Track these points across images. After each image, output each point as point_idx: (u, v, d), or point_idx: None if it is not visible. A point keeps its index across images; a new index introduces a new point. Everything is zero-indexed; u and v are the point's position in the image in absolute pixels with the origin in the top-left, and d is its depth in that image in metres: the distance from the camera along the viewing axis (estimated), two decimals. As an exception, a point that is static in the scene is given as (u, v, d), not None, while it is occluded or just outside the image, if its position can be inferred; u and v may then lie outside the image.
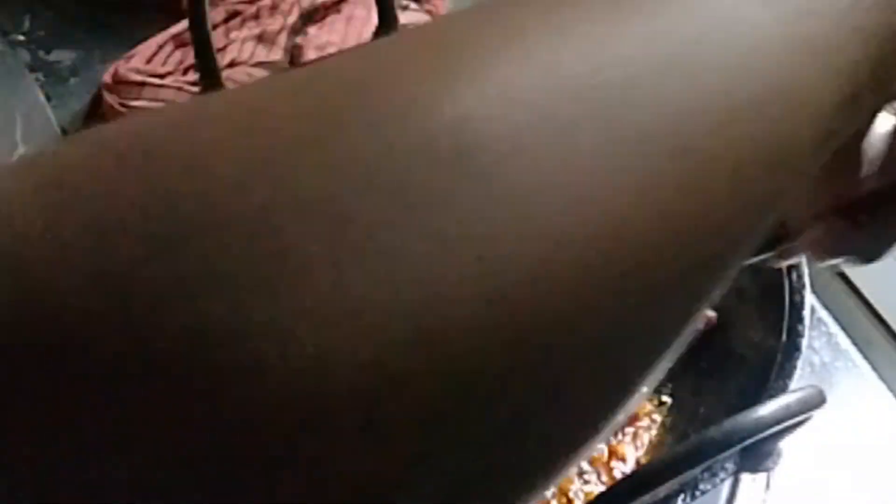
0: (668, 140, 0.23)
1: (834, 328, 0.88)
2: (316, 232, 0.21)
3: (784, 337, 0.70)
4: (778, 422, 0.56)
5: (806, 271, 0.73)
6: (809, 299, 0.72)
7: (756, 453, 0.63)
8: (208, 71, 0.81)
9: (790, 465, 0.76)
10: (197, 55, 0.80)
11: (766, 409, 0.55)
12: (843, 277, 0.91)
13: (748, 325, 0.75)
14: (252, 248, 0.20)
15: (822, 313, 0.89)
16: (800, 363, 0.69)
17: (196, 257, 0.20)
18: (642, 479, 0.54)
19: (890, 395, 0.85)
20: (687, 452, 0.55)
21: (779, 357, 0.70)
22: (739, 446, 0.56)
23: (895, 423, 0.84)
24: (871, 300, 0.90)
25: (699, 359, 0.77)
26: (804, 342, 0.70)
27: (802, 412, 0.56)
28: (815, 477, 0.80)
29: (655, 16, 0.25)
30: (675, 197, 0.23)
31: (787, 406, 0.56)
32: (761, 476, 0.74)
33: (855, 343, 0.88)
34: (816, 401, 0.57)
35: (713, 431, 0.55)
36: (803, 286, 0.73)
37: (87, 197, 0.21)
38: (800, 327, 0.71)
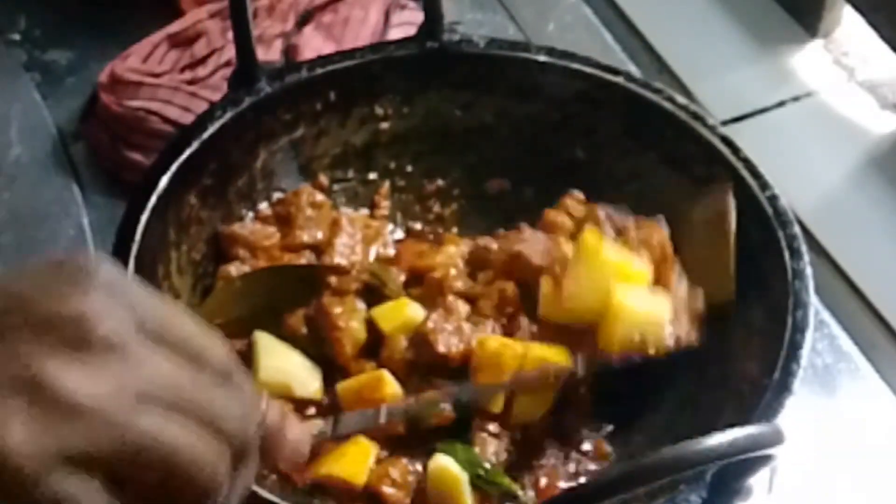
0: None
1: (837, 330, 0.88)
2: None
3: (777, 375, 0.69)
4: (722, 456, 0.54)
5: (812, 309, 0.72)
6: (810, 339, 0.71)
7: (724, 489, 0.62)
8: (245, 53, 0.80)
9: (793, 467, 0.76)
10: (235, 39, 0.79)
11: (712, 440, 0.53)
12: (847, 280, 0.91)
13: (749, 359, 0.74)
14: None
15: (825, 315, 0.88)
16: (789, 401, 0.68)
17: None
18: (575, 498, 0.53)
19: (893, 397, 0.85)
20: (620, 475, 0.54)
21: (767, 395, 0.69)
22: (678, 475, 0.55)
23: (898, 425, 0.84)
24: (874, 302, 0.89)
25: (697, 391, 0.77)
26: (797, 382, 0.69)
27: (751, 449, 0.54)
28: (818, 479, 0.79)
29: None
30: None
31: (733, 441, 0.54)
32: (763, 478, 0.74)
33: (857, 345, 0.87)
34: (771, 439, 0.55)
35: (649, 458, 0.53)
36: (806, 326, 0.71)
37: None
38: (794, 366, 0.70)
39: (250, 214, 0.84)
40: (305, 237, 0.82)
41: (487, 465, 0.72)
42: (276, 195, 0.85)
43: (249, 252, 0.80)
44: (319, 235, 0.82)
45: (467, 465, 0.71)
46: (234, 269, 0.79)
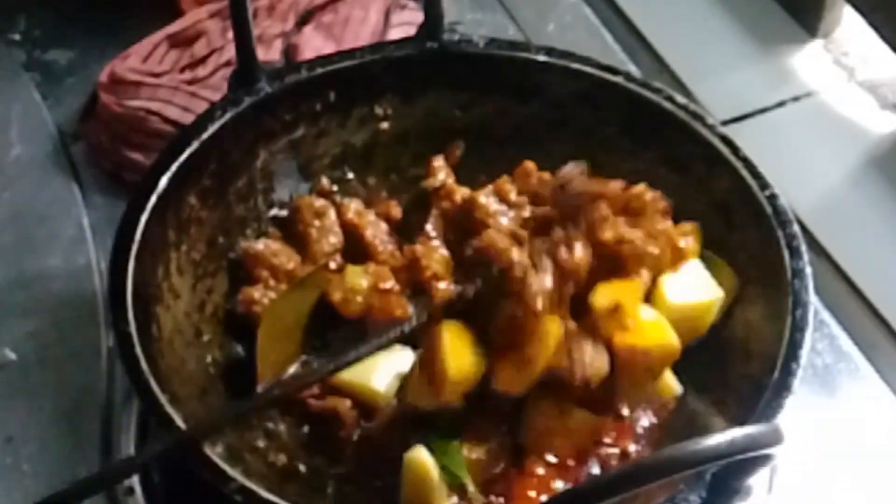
0: None
1: (837, 330, 0.88)
2: None
3: (776, 374, 0.69)
4: (721, 456, 0.54)
5: (812, 309, 0.72)
6: (810, 339, 0.71)
7: (724, 489, 0.62)
8: (245, 53, 0.81)
9: (793, 467, 0.76)
10: (235, 39, 0.79)
11: (711, 440, 0.53)
12: (847, 280, 0.91)
13: (748, 358, 0.74)
14: None
15: (825, 315, 0.88)
16: (788, 401, 0.68)
17: None
18: (575, 498, 0.54)
19: (893, 397, 0.85)
20: (620, 475, 0.54)
21: (767, 394, 0.69)
22: (677, 476, 0.55)
23: (898, 425, 0.84)
24: (874, 302, 0.89)
25: (697, 391, 0.76)
26: (796, 382, 0.69)
27: (751, 449, 0.54)
28: (818, 479, 0.79)
29: None
30: None
31: (732, 441, 0.54)
32: (763, 478, 0.74)
33: (857, 345, 0.87)
34: (770, 439, 0.55)
35: (649, 458, 0.54)
36: (806, 325, 0.71)
37: None
38: (793, 366, 0.69)
39: (260, 231, 0.84)
40: (326, 248, 0.82)
41: (457, 458, 0.71)
42: (274, 211, 0.85)
43: (272, 275, 0.80)
44: (334, 241, 0.82)
45: (439, 456, 0.70)
46: (257, 293, 0.79)
